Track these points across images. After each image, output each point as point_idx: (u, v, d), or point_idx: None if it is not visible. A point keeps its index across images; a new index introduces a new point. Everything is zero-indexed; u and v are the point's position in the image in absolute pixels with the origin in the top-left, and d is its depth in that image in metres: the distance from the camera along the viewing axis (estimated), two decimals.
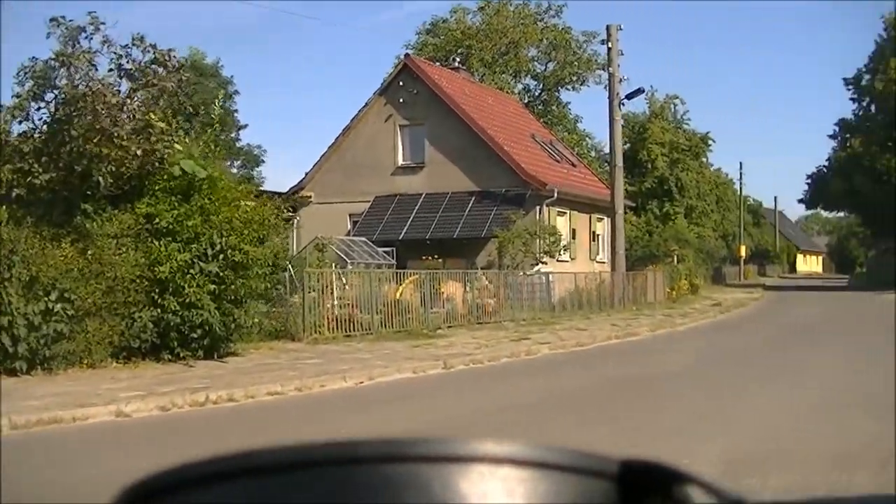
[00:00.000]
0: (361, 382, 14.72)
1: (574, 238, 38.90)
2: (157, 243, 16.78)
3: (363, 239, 32.10)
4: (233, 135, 73.47)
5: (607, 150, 42.00)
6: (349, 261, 27.86)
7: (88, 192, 16.72)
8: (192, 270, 16.62)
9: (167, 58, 17.25)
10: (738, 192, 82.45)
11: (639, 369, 16.96)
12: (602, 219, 41.00)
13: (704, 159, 67.26)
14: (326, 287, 22.37)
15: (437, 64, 45.06)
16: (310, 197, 38.34)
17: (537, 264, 32.95)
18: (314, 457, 0.92)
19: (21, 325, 14.29)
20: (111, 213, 16.90)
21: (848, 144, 58.67)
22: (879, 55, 59.36)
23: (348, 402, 13.22)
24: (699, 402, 12.51)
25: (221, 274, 16.84)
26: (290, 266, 21.96)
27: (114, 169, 16.50)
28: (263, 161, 78.02)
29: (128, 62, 17.03)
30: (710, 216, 66.53)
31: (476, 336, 22.21)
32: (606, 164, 49.77)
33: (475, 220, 34.96)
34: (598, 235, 41.90)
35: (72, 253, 15.65)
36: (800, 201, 65.28)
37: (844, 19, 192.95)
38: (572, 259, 37.64)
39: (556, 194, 35.60)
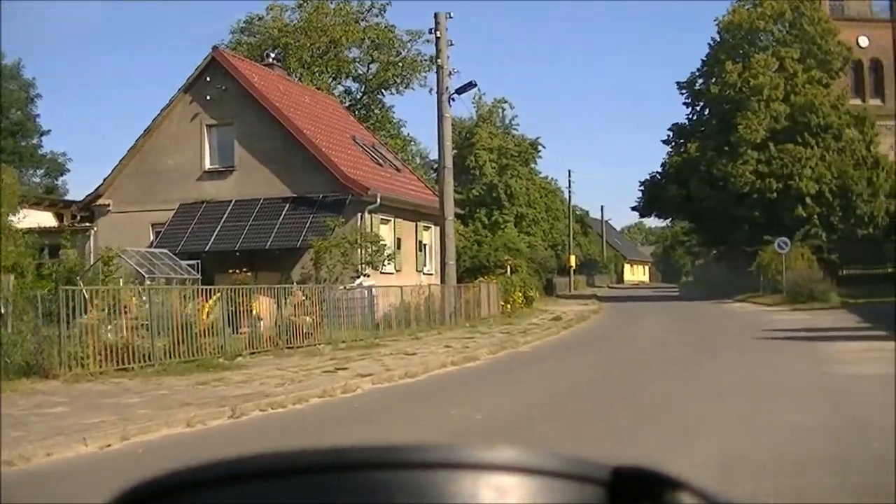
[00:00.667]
0: (109, 445, 10.51)
1: (399, 248, 36.51)
2: None
3: (165, 251, 29.19)
4: (34, 141, 68.46)
5: (433, 156, 38.70)
6: (147, 276, 25.03)
7: None
8: None
9: None
10: (567, 201, 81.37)
11: (490, 410, 13.05)
12: (429, 227, 38.73)
13: (534, 165, 65.23)
14: (111, 307, 18.15)
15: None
16: (108, 205, 35.02)
17: (359, 277, 29.54)
18: (306, 463, 0.95)
19: None
20: None
21: (683, 150, 56.92)
22: (714, 58, 58.04)
23: (74, 483, 9.00)
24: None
25: None
26: (80, 282, 17.87)
27: None
28: (68, 170, 73.26)
29: None
30: (540, 224, 64.35)
31: (283, 366, 18.11)
32: (433, 170, 46.88)
33: (290, 228, 32.20)
34: (425, 245, 39.68)
35: None
36: (633, 209, 63.44)
37: (679, 21, 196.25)
38: (397, 271, 35.45)
39: (378, 200, 33.16)
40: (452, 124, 61.45)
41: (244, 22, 58.91)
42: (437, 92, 33.92)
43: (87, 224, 35.65)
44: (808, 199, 51.34)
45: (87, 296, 17.77)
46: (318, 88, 50.37)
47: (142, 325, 18.58)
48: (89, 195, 35.83)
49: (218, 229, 32.96)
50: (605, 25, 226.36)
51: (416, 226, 38.67)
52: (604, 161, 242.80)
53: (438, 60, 33.12)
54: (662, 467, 0.97)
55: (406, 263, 37.26)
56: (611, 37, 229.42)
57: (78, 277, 20.38)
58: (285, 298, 23.61)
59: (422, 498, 0.90)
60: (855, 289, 43.59)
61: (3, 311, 17.80)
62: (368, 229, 32.52)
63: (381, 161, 40.43)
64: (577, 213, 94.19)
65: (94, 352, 16.74)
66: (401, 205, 36.67)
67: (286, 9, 57.35)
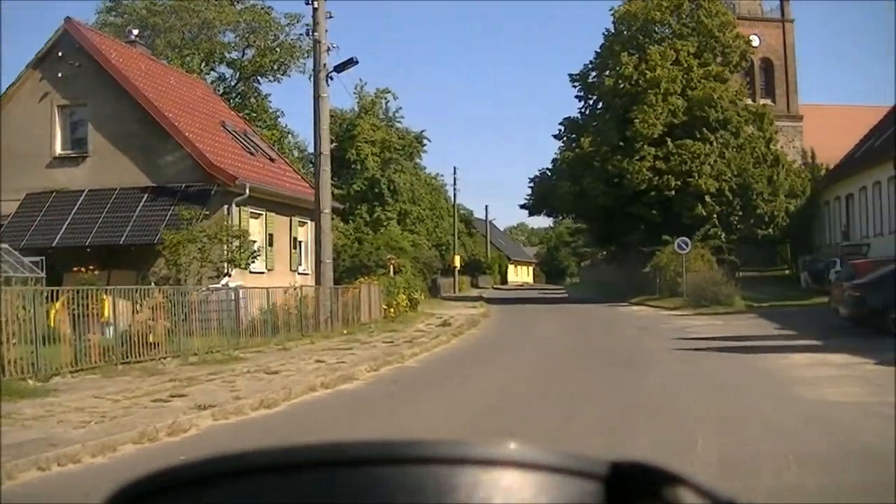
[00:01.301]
0: None
1: (271, 245, 33.54)
2: None
3: (5, 246, 25.80)
4: None
5: (313, 149, 34.95)
6: None
7: None
8: None
9: None
10: (453, 199, 78.90)
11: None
12: (305, 223, 35.86)
13: (419, 160, 62.03)
14: None
15: None
16: None
17: (221, 276, 25.90)
18: (305, 458, 0.94)
19: None
20: None
21: (575, 145, 53.87)
22: (608, 50, 55.23)
23: None
24: None
25: None
26: None
27: None
28: None
29: None
30: (425, 223, 61.19)
31: (105, 391, 13.88)
32: (311, 164, 43.38)
33: (148, 221, 29.29)
34: (300, 242, 36.70)
35: None
36: (522, 206, 60.23)
37: (570, 9, 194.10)
38: (269, 270, 32.80)
39: (247, 191, 30.26)
40: (333, 115, 58.13)
41: (110, 1, 54.59)
42: (314, 69, 30.13)
43: None
44: (707, 198, 48.83)
45: None
46: (190, 73, 46.37)
47: None
48: None
49: (68, 222, 29.89)
50: (491, 13, 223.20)
51: (291, 221, 35.82)
52: (490, 158, 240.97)
53: (315, 34, 29.25)
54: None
55: (279, 262, 34.46)
56: (500, 27, 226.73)
57: None
58: (140, 301, 19.82)
59: (420, 494, 0.89)
60: (753, 291, 41.49)
61: None
62: (236, 223, 29.40)
63: (252, 150, 37.09)
64: (462, 212, 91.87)
65: None
66: (273, 197, 33.73)
67: None
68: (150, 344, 19.05)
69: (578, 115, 57.74)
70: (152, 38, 50.55)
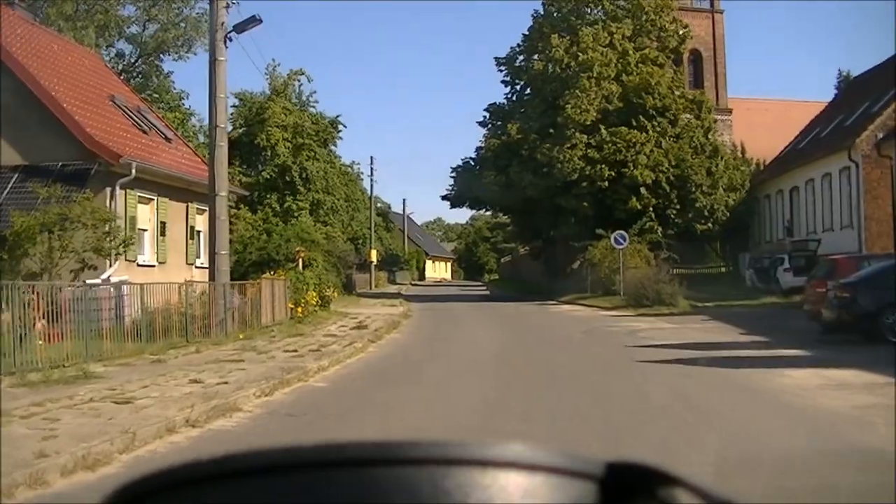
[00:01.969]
0: None
1: (164, 234, 30.03)
2: None
3: None
4: None
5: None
6: None
7: None
8: None
9: None
10: (370, 190, 75.58)
11: None
12: (205, 210, 31.26)
13: (334, 147, 57.94)
14: None
15: None
16: None
17: (87, 269, 21.73)
18: (303, 459, 0.95)
19: None
20: None
21: (501, 132, 50.28)
22: (537, 32, 51.71)
23: None
24: None
25: None
26: None
27: None
28: None
29: None
30: (340, 214, 57.21)
31: None
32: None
33: (19, 205, 24.89)
34: (199, 232, 32.78)
35: None
36: (443, 198, 56.58)
37: None
38: (161, 263, 29.64)
39: (133, 172, 26.95)
40: (242, 98, 54.29)
41: None
42: (210, 28, 26.05)
43: None
44: (642, 190, 45.52)
45: None
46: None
47: None
48: None
49: None
50: None
51: (188, 208, 32.40)
52: (410, 147, 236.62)
53: None
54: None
55: (174, 254, 31.04)
56: (421, 6, 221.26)
57: None
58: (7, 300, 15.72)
59: (416, 494, 0.90)
60: (693, 290, 38.32)
61: None
62: (121, 209, 26.06)
63: (146, 128, 33.02)
64: (380, 205, 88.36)
65: None
66: (166, 180, 30.31)
67: None
68: None
69: (505, 101, 54.61)
70: (44, 7, 46.22)
